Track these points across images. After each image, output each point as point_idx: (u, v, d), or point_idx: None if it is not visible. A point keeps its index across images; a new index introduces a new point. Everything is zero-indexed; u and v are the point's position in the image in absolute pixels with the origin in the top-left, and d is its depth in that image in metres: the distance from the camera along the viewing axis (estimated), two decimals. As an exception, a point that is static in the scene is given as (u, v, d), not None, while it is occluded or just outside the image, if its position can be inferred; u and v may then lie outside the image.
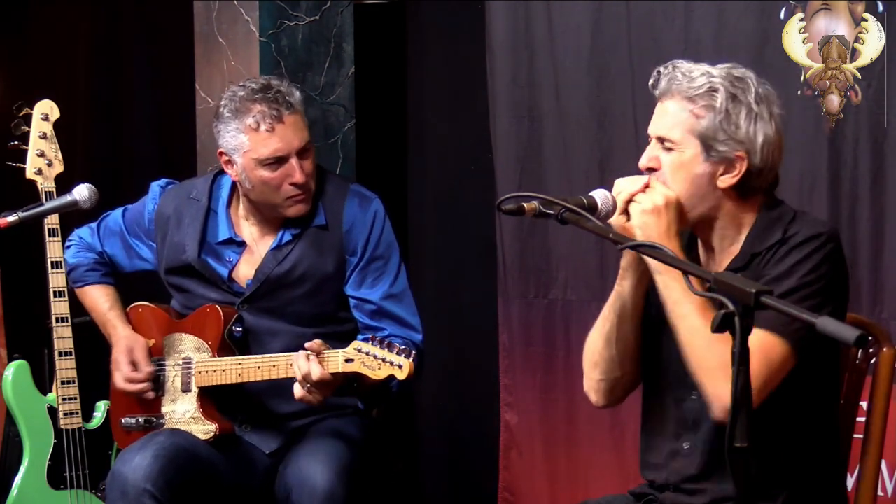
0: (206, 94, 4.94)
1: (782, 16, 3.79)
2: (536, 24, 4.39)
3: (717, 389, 2.65)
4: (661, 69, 2.83)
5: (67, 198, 3.49)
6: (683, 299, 2.69)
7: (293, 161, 3.52)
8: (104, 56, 5.50)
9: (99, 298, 3.81)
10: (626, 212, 2.78)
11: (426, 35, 4.97)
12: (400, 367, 3.29)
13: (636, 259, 2.82)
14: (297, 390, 3.40)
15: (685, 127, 2.77)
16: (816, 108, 3.72)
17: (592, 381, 2.97)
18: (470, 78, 4.71)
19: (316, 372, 3.35)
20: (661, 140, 2.80)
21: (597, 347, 2.94)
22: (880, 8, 3.58)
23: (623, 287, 2.86)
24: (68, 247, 3.89)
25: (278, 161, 3.52)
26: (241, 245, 3.66)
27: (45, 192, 3.96)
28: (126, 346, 3.68)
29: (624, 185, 2.81)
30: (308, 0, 4.89)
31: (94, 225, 3.87)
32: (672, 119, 2.79)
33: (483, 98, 4.56)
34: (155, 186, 3.81)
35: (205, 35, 4.97)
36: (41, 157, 3.98)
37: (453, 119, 4.90)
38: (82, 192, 3.45)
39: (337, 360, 3.36)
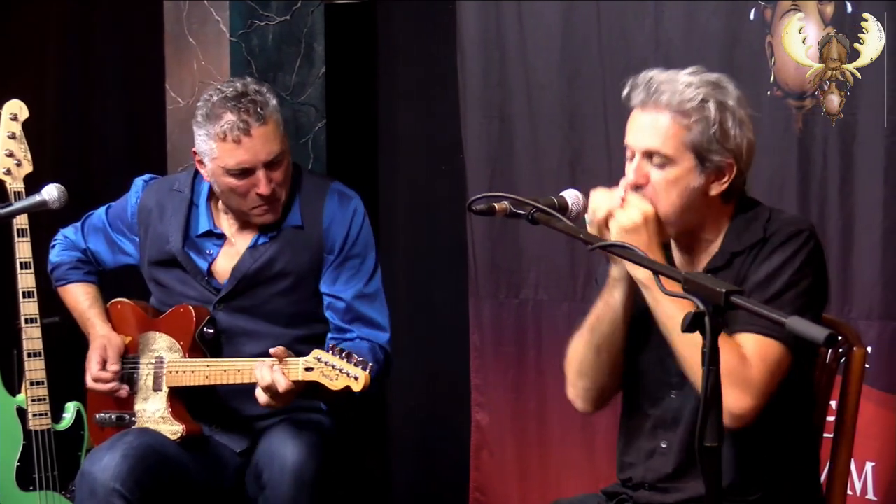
0: (177, 94, 4.93)
1: (752, 17, 3.80)
2: (507, 24, 4.39)
3: (725, 398, 2.63)
4: (637, 79, 2.81)
5: (36, 198, 3.47)
6: (678, 313, 2.58)
7: (259, 173, 3.52)
8: (73, 56, 5.47)
9: (80, 297, 3.82)
10: (606, 226, 2.76)
11: (397, 35, 4.97)
12: (356, 378, 3.30)
13: (627, 270, 2.79)
14: (262, 397, 3.42)
15: (678, 140, 2.75)
16: (786, 109, 3.73)
17: (579, 389, 2.95)
18: (441, 78, 4.71)
19: (281, 383, 3.36)
20: (651, 154, 2.77)
21: (585, 357, 2.91)
22: (849, 9, 3.59)
23: (614, 297, 2.83)
24: (53, 246, 3.91)
25: (244, 172, 3.52)
26: (221, 238, 3.68)
27: (14, 193, 3.95)
28: (100, 345, 3.68)
29: (601, 201, 2.78)
30: (279, 0, 4.88)
31: (78, 224, 3.89)
32: (662, 133, 2.75)
33: (454, 98, 4.56)
34: (138, 181, 3.83)
35: (175, 35, 4.95)
36: (10, 158, 3.97)
37: (424, 119, 4.90)
38: (51, 192, 3.44)
39: (297, 369, 3.37)
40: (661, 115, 2.76)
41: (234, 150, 3.50)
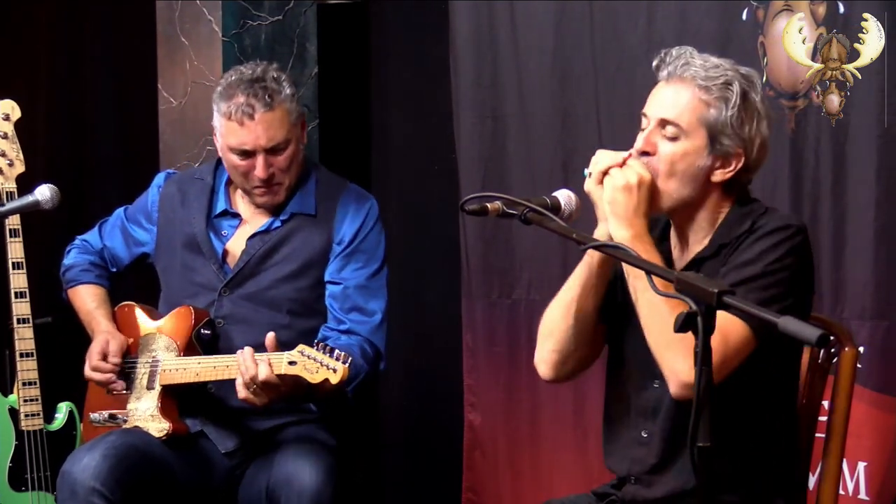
0: (169, 94, 4.93)
1: (744, 17, 3.80)
2: (500, 24, 4.39)
3: (675, 364, 2.65)
4: (673, 51, 2.82)
5: (29, 198, 3.47)
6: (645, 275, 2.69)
7: (259, 157, 3.60)
8: (66, 56, 5.47)
9: (87, 297, 3.83)
10: (602, 183, 2.79)
11: (390, 35, 4.97)
12: (334, 370, 3.31)
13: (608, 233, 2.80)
14: (241, 391, 3.42)
15: (696, 115, 2.77)
16: (778, 109, 3.74)
17: (544, 351, 2.95)
18: (433, 78, 4.71)
19: (263, 372, 3.37)
20: (665, 124, 2.79)
21: (555, 317, 2.92)
22: (841, 9, 3.60)
23: (593, 258, 2.85)
24: (69, 251, 3.92)
25: (245, 153, 3.61)
26: (237, 217, 3.74)
27: (6, 193, 3.95)
28: (103, 339, 3.69)
29: (603, 157, 2.81)
30: (271, 0, 4.88)
31: (95, 228, 3.93)
32: (682, 105, 2.78)
33: (447, 98, 4.56)
34: (160, 175, 3.92)
35: (167, 35, 4.95)
36: (2, 158, 3.97)
37: (417, 119, 4.90)
38: (44, 193, 3.44)
39: (281, 362, 3.38)
40: (684, 88, 2.78)
41: (237, 130, 3.59)
